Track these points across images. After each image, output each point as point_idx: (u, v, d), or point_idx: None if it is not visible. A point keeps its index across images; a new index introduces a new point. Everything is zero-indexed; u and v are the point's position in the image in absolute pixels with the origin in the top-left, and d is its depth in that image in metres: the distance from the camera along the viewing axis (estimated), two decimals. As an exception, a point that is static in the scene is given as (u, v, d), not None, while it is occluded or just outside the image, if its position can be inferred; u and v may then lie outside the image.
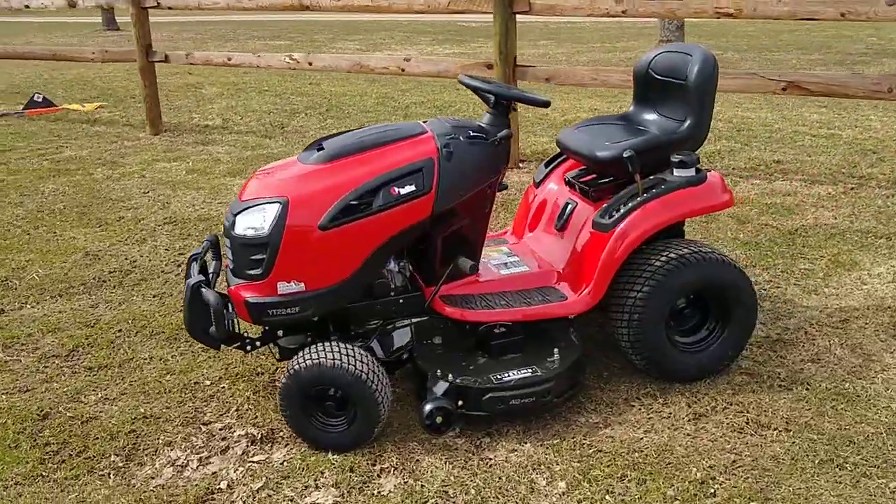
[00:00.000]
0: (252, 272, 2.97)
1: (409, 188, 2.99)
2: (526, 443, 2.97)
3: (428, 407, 2.91)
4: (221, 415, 3.23)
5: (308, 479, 2.83)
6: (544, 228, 3.62)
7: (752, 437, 2.93)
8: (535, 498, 2.69)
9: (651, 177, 3.26)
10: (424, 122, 3.24)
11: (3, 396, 3.37)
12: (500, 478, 2.79)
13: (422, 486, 2.77)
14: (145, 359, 3.67)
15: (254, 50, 15.18)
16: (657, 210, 3.13)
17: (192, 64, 7.87)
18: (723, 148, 6.79)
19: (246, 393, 3.35)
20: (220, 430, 3.14)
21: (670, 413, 3.10)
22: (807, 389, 3.20)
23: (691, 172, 3.18)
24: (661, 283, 3.10)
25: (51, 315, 4.10)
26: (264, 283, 2.96)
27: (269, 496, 2.75)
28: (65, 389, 3.41)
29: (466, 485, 2.76)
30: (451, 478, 2.80)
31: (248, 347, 3.15)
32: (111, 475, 2.88)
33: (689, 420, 3.04)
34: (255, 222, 2.95)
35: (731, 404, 3.12)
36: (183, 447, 3.03)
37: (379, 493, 2.75)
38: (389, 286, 3.15)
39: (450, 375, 3.01)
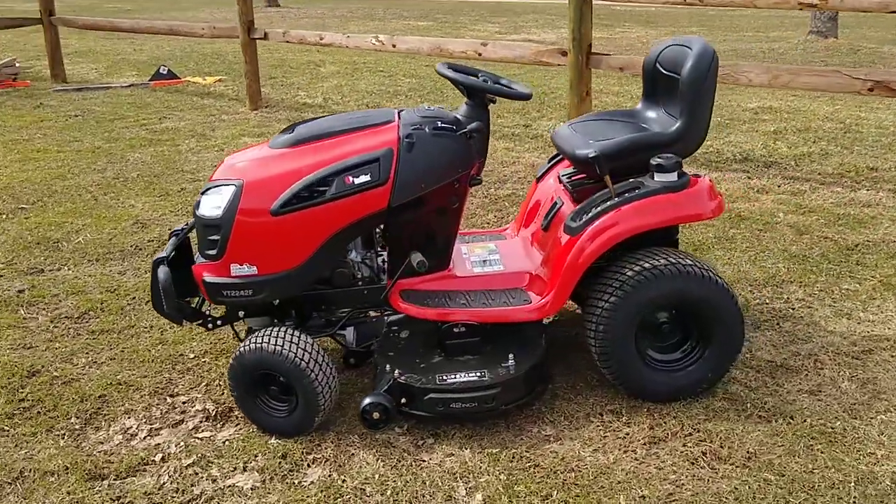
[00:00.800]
0: (209, 252, 3.00)
1: (364, 178, 2.93)
2: (466, 448, 2.86)
3: (366, 401, 2.86)
4: (191, 388, 3.30)
5: (239, 461, 2.84)
6: (534, 227, 3.46)
7: (703, 470, 2.68)
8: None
9: (630, 180, 3.03)
10: (401, 110, 3.16)
11: (7, 352, 3.59)
12: (422, 482, 2.70)
13: (343, 481, 2.72)
14: (145, 327, 3.80)
15: (393, 30, 15.38)
16: (628, 216, 2.91)
17: (288, 42, 8.08)
18: (816, 150, 6.26)
19: (223, 369, 3.41)
20: (184, 403, 3.21)
21: (627, 434, 2.89)
22: (788, 424, 2.90)
23: (672, 177, 2.93)
24: (630, 294, 2.89)
25: (80, 278, 4.33)
26: (219, 263, 2.98)
27: (195, 474, 2.79)
28: (62, 350, 3.60)
29: (386, 485, 2.69)
30: (376, 476, 2.74)
31: (210, 325, 3.19)
32: (65, 436, 3.00)
33: (644, 443, 2.83)
34: (214, 203, 2.98)
35: (696, 431, 2.88)
36: (140, 416, 3.12)
37: (300, 483, 2.73)
38: (350, 276, 3.10)
39: (396, 371, 2.94)
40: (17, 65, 10.74)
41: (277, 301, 3.13)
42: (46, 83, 10.18)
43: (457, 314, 3.00)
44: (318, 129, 3.08)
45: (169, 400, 3.23)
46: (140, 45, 13.71)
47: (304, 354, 2.89)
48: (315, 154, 2.98)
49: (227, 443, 2.95)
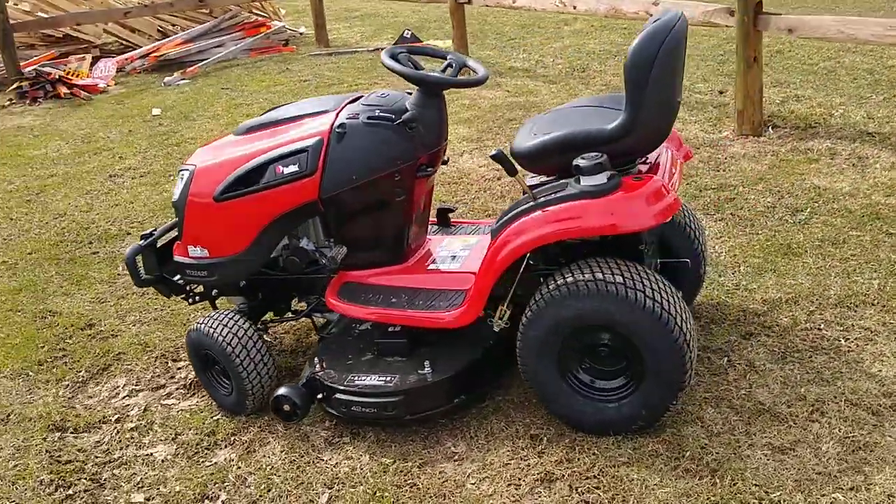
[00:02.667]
0: (177, 233, 3.18)
1: (293, 168, 2.90)
2: (367, 454, 2.77)
3: (278, 391, 2.87)
4: (194, 356, 3.55)
5: (173, 431, 3.03)
6: (513, 223, 3.17)
7: (569, 522, 2.34)
8: (295, 512, 2.55)
9: (559, 181, 2.65)
10: (357, 97, 3.06)
11: (83, 303, 4.11)
12: (301, 483, 2.68)
13: (238, 467, 2.79)
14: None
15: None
16: (537, 224, 2.55)
17: (486, 6, 7.98)
18: None
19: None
20: (178, 369, 3.47)
21: (528, 465, 2.60)
22: (713, 486, 2.40)
23: (595, 180, 2.51)
24: (544, 309, 2.57)
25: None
26: (181, 244, 3.16)
27: (130, 438, 3.03)
28: (123, 308, 4.04)
29: (270, 479, 2.71)
30: (269, 468, 2.77)
31: (190, 301, 3.37)
32: (67, 387, 3.41)
33: (536, 479, 2.53)
34: (176, 187, 3.15)
35: (598, 476, 2.50)
36: (134, 377, 3.43)
37: (202, 462, 2.85)
38: (300, 264, 3.10)
39: (318, 365, 2.92)
40: (291, 31, 11.84)
41: (243, 283, 3.23)
42: (311, 48, 11.11)
43: (375, 314, 2.87)
44: (273, 116, 3.10)
45: (168, 365, 3.50)
46: (419, 8, 14.32)
47: (232, 339, 2.97)
48: (258, 142, 3.01)
49: (180, 412, 3.16)
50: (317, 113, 2.99)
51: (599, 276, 2.50)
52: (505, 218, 2.66)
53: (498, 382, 2.97)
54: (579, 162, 2.51)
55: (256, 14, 11.88)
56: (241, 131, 3.10)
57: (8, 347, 3.72)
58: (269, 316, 3.37)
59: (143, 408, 3.21)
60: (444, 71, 3.05)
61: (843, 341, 3.02)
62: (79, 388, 3.39)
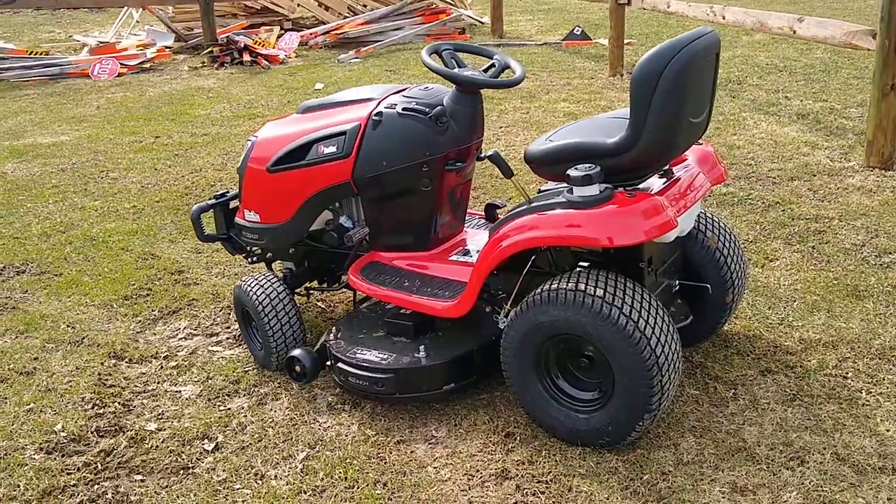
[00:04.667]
0: (238, 197, 3.50)
1: (332, 149, 3.11)
2: (354, 424, 2.95)
3: (293, 352, 3.11)
4: (253, 311, 3.87)
5: (206, 375, 3.34)
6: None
7: (500, 519, 2.40)
8: (261, 483, 2.76)
9: (556, 188, 2.68)
10: (403, 88, 3.21)
11: (183, 252, 4.55)
12: (289, 437, 2.90)
13: (245, 415, 3.05)
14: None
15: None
16: (525, 228, 2.60)
17: (643, 9, 7.83)
18: None
19: (309, 304, 3.87)
20: (235, 322, 3.78)
21: (492, 459, 2.67)
22: (655, 510, 2.37)
23: (585, 191, 2.52)
24: (524, 313, 2.63)
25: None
26: (241, 208, 3.46)
27: (169, 374, 3.37)
28: (214, 260, 4.43)
29: (261, 434, 2.94)
30: (269, 420, 3.00)
31: (249, 260, 3.67)
32: (139, 322, 3.82)
33: (492, 474, 2.60)
34: (242, 155, 3.45)
35: (549, 483, 2.53)
36: (196, 322, 3.80)
37: (222, 405, 3.13)
38: (335, 238, 3.31)
39: (332, 335, 3.12)
40: (471, 19, 12.10)
41: (291, 250, 3.49)
42: (485, 38, 11.34)
43: (381, 294, 3.03)
44: (331, 99, 3.32)
45: (229, 316, 3.84)
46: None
47: (265, 300, 3.24)
48: (310, 121, 3.24)
49: (219, 359, 3.47)
50: (364, 100, 3.18)
51: (581, 286, 2.52)
52: (500, 220, 2.73)
53: (495, 377, 3.04)
54: (570, 172, 2.54)
55: (446, 1, 12.21)
56: (301, 110, 3.35)
57: (106, 280, 4.21)
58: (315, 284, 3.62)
59: (191, 350, 3.55)
60: (486, 71, 3.14)
61: (863, 393, 2.84)
62: (148, 325, 3.79)
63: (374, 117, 3.06)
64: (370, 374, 2.91)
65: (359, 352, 3.00)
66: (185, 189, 5.49)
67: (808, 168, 5.11)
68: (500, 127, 6.57)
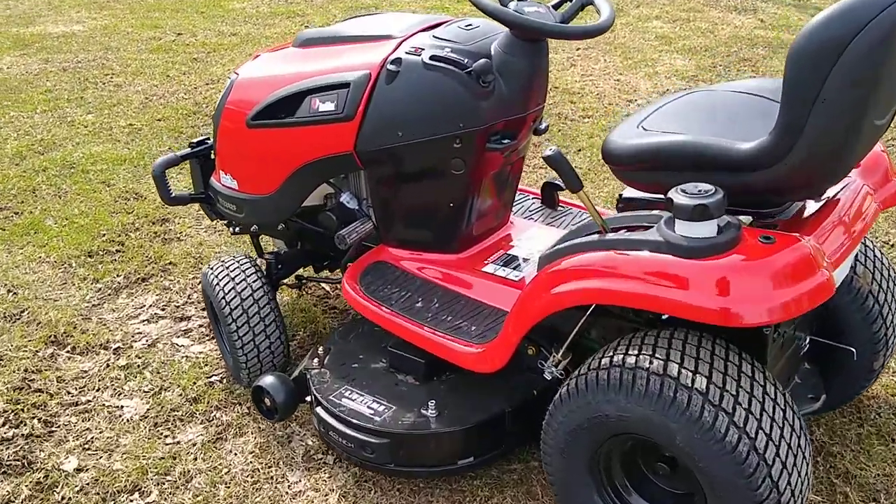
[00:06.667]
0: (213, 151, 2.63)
1: (329, 105, 2.20)
2: (336, 493, 2.15)
3: (262, 380, 2.29)
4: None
5: (162, 383, 2.58)
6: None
7: None
8: None
9: (651, 213, 1.74)
10: (439, 22, 2.26)
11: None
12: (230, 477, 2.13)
13: (194, 458, 2.28)
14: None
15: None
16: (597, 273, 1.67)
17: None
18: None
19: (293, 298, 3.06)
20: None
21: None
22: None
23: (696, 229, 1.58)
24: (573, 394, 1.75)
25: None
26: (216, 167, 2.60)
27: (115, 379, 2.60)
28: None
29: (213, 488, 2.17)
30: (223, 470, 2.23)
31: (232, 231, 2.82)
32: (98, 292, 3.05)
33: None
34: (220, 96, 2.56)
35: None
36: (166, 298, 3.01)
37: (169, 437, 2.37)
38: (335, 221, 2.44)
39: (317, 360, 2.30)
40: None
41: (281, 226, 2.64)
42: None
43: (383, 318, 2.16)
44: (338, 30, 2.39)
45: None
46: None
47: (233, 298, 2.42)
48: (306, 62, 2.32)
49: (183, 359, 2.69)
50: (379, 37, 2.24)
51: (670, 370, 1.62)
52: (559, 246, 1.81)
53: (534, 443, 2.20)
54: (676, 196, 1.59)
55: None
56: (298, 42, 2.43)
57: (72, 228, 3.43)
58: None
59: (151, 340, 2.78)
60: (556, 7, 2.16)
61: None
62: (108, 296, 3.02)
63: (388, 66, 2.12)
64: (357, 435, 2.08)
65: (347, 395, 2.16)
66: (193, 106, 4.63)
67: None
68: (576, 48, 5.49)
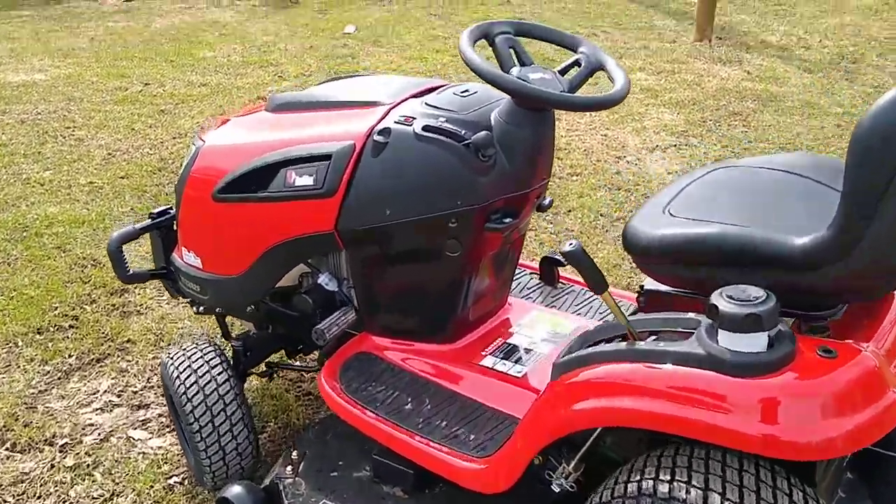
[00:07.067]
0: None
1: (306, 180, 1.94)
2: None
3: (227, 490, 1.99)
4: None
5: (114, 487, 2.27)
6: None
7: None
8: None
9: (687, 315, 1.49)
10: (433, 86, 2.03)
11: (131, 258, 3.43)
12: None
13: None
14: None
15: None
16: (623, 390, 1.42)
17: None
18: None
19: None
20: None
21: None
22: None
23: (747, 343, 1.33)
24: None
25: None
26: (178, 242, 2.32)
27: (58, 484, 2.29)
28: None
29: None
30: None
31: (196, 310, 2.54)
32: (46, 375, 2.74)
33: None
34: (183, 165, 2.30)
35: None
36: (123, 382, 2.71)
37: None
38: (311, 305, 2.17)
39: (291, 468, 2.01)
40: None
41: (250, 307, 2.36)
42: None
43: (366, 423, 1.89)
44: (321, 93, 2.14)
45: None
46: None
47: (194, 392, 2.13)
48: (284, 129, 2.07)
49: (140, 455, 2.39)
50: (366, 103, 2.00)
51: (696, 497, 1.35)
52: (579, 353, 1.55)
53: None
54: (720, 302, 1.34)
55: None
56: (272, 106, 2.18)
57: (20, 301, 3.12)
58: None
59: (104, 434, 2.47)
60: (563, 73, 1.94)
61: None
62: (58, 380, 2.71)
63: (375, 136, 1.88)
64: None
65: (323, 511, 1.88)
66: (159, 162, 4.36)
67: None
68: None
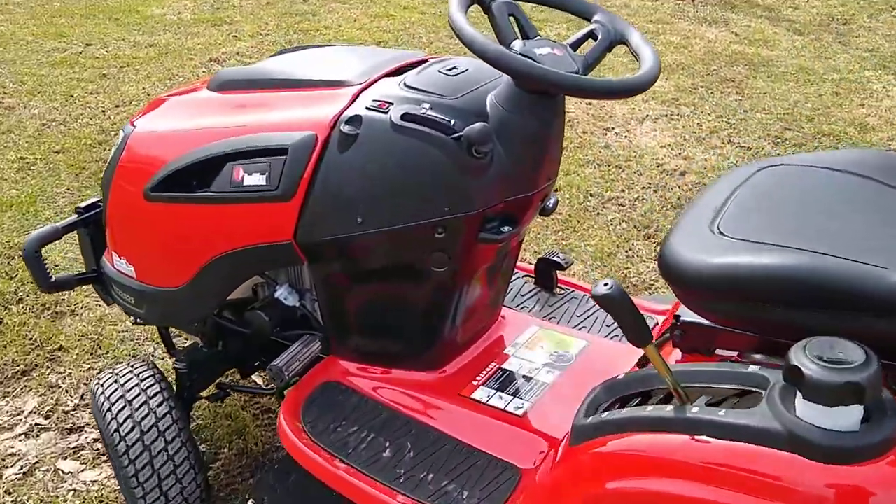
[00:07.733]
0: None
1: (257, 178, 1.58)
2: None
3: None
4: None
5: None
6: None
7: None
8: None
9: (748, 369, 1.17)
10: (415, 61, 1.67)
11: (68, 247, 3.02)
12: None
13: None
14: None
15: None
16: (669, 465, 1.10)
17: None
18: None
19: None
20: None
21: None
22: None
23: (838, 419, 1.01)
24: None
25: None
26: (108, 245, 1.95)
27: None
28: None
29: None
30: None
31: (134, 320, 2.18)
32: None
33: None
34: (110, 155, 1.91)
35: None
36: (52, 400, 2.34)
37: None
38: (267, 323, 1.81)
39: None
40: None
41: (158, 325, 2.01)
42: None
43: (332, 474, 1.55)
44: (272, 70, 1.76)
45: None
46: None
47: (127, 423, 1.78)
48: (229, 113, 1.70)
49: (68, 494, 2.03)
50: (330, 83, 1.63)
51: None
52: (605, 417, 1.22)
53: None
54: (804, 363, 1.02)
55: None
56: (216, 84, 1.79)
57: (-65, 300, 2.72)
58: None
59: (28, 466, 2.11)
60: (574, 47, 1.58)
61: None
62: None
63: (342, 126, 1.51)
64: None
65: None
66: (99, 134, 3.92)
67: None
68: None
